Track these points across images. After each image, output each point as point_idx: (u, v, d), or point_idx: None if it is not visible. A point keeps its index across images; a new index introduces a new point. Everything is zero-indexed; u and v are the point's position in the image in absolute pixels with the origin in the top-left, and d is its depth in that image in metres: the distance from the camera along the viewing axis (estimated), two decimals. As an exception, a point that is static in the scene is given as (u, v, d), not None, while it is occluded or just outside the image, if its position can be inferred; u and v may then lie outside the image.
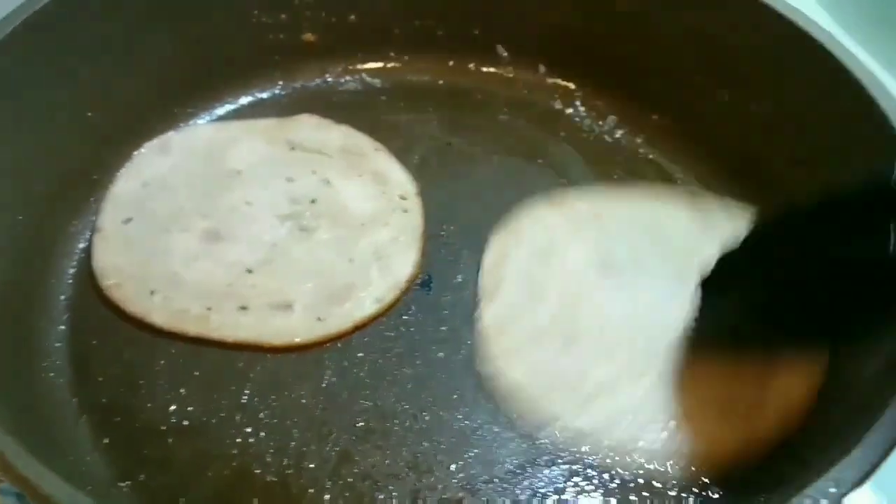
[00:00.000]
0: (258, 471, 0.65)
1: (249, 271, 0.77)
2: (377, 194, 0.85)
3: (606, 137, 0.95)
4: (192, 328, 0.73)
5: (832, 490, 0.50)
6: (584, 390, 0.69)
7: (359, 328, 0.74)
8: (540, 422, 0.68)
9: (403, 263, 0.79)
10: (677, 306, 0.72)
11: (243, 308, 0.74)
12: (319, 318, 0.74)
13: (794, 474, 0.56)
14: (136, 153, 0.86)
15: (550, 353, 0.71)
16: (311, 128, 0.91)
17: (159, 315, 0.73)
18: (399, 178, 0.87)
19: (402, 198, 0.85)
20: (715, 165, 0.90)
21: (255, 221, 0.81)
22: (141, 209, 0.81)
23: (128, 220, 0.81)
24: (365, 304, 0.75)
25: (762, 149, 0.86)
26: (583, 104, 0.98)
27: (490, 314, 0.74)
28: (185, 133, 0.90)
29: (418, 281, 0.78)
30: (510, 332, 0.73)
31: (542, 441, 0.67)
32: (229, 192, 0.83)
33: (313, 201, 0.83)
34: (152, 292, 0.75)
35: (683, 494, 0.64)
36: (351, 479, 0.64)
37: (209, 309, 0.74)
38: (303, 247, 0.79)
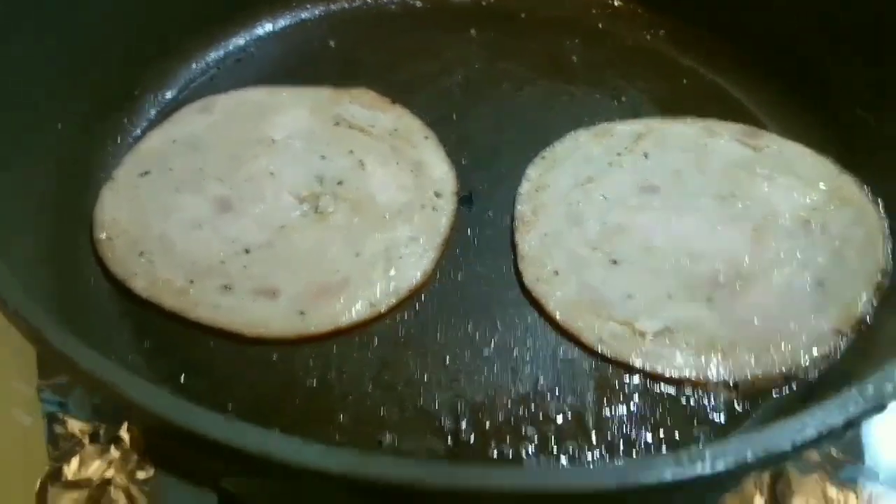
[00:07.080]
0: (300, 373, 0.64)
1: (247, 251, 0.70)
2: (411, 186, 0.76)
3: (664, 60, 0.90)
4: (169, 301, 0.67)
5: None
6: (631, 308, 0.67)
7: (341, 332, 0.66)
8: (582, 335, 0.66)
9: (413, 268, 0.69)
10: (721, 229, 0.72)
11: (226, 287, 0.67)
12: (302, 313, 0.66)
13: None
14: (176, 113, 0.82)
15: (594, 276, 0.70)
16: (364, 104, 0.83)
17: (140, 281, 0.68)
18: (439, 174, 0.77)
19: (437, 195, 0.75)
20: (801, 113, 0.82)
21: (271, 197, 0.74)
22: (161, 165, 0.77)
23: (144, 174, 0.76)
24: (354, 307, 0.67)
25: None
26: (639, 26, 0.93)
27: (528, 240, 0.72)
28: (231, 95, 0.84)
29: (460, 196, 0.76)
30: (552, 256, 0.71)
31: (582, 354, 0.66)
32: (255, 160, 0.77)
33: (340, 183, 0.75)
34: (141, 253, 0.70)
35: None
36: (393, 384, 0.63)
37: (191, 282, 0.68)
38: (311, 231, 0.72)
